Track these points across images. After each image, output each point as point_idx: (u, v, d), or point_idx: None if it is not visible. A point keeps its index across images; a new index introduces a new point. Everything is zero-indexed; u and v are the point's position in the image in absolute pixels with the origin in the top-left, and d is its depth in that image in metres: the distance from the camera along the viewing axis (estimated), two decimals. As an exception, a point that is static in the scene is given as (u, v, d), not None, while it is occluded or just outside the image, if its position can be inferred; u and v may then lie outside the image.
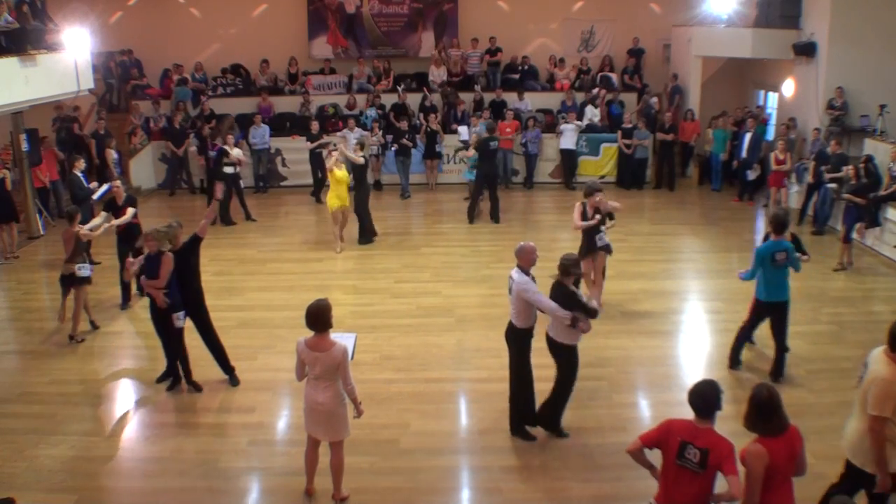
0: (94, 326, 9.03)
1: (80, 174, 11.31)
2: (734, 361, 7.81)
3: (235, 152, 13.40)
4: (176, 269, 7.14)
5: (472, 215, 13.40)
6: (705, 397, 4.15)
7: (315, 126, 15.04)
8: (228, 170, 13.23)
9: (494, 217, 13.33)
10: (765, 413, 4.08)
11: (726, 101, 16.56)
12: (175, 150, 15.52)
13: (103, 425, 6.96)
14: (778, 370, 7.52)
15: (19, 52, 11.38)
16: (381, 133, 15.51)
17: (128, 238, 9.32)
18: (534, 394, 6.60)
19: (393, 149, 15.41)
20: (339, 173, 11.44)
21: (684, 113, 16.16)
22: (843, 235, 10.97)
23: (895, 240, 11.17)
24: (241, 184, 13.90)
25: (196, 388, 7.48)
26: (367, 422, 5.98)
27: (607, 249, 8.99)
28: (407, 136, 15.35)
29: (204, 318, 7.52)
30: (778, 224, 7.27)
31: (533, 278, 6.27)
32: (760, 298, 7.45)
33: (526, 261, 6.25)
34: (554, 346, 6.38)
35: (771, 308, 7.43)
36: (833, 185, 12.02)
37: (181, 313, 7.25)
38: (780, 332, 7.48)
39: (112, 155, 14.24)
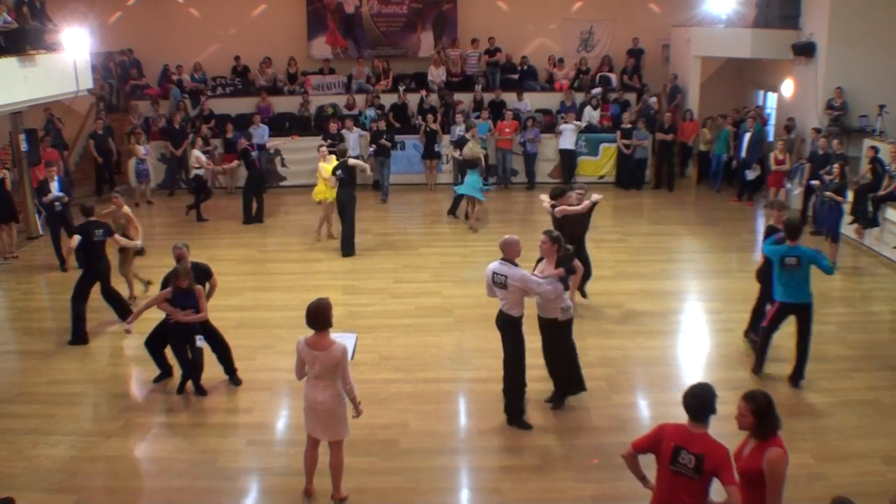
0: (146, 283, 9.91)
1: None
2: (759, 366, 7.59)
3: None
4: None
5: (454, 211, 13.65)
6: (701, 399, 4.14)
7: (333, 127, 15.06)
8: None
9: (451, 211, 13.70)
10: (767, 415, 4.07)
11: (726, 102, 16.58)
12: (174, 151, 15.51)
13: (103, 425, 6.95)
14: (797, 374, 7.37)
15: (19, 53, 11.37)
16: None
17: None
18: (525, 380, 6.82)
19: (371, 149, 15.17)
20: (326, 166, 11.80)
21: (683, 113, 16.15)
22: (827, 234, 10.92)
23: (895, 240, 11.18)
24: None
25: (202, 391, 7.43)
26: (366, 422, 5.98)
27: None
28: (385, 137, 15.14)
29: (207, 321, 7.52)
30: (791, 230, 7.13)
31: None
32: (777, 298, 7.33)
33: (512, 253, 6.42)
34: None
35: (789, 309, 7.28)
36: (816, 183, 11.95)
37: (201, 336, 7.33)
38: (801, 335, 7.30)
39: (139, 151, 14.34)
